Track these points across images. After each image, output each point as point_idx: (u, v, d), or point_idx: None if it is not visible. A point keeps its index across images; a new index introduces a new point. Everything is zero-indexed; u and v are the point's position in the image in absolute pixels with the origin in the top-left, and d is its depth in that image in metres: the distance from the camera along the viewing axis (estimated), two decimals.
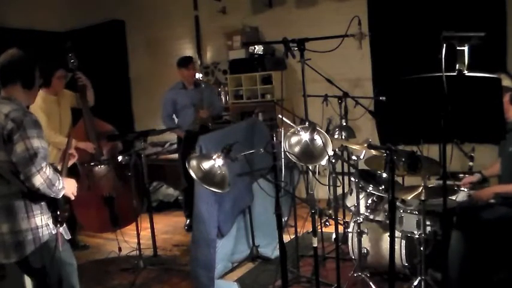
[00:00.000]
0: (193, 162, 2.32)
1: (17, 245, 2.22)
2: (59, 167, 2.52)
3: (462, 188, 3.28)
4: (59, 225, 2.32)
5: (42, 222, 2.26)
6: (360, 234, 3.33)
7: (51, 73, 4.10)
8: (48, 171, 2.17)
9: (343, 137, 3.93)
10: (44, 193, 2.19)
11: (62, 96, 4.33)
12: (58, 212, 2.32)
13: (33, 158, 2.13)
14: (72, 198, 2.40)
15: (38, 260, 2.26)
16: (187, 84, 5.05)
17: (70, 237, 2.47)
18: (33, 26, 6.22)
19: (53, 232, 2.30)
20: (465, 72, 2.10)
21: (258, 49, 5.53)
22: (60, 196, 2.28)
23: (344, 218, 4.21)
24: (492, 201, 2.98)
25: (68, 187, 2.33)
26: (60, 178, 2.25)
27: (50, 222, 2.30)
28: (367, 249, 3.40)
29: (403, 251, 3.24)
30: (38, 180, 2.13)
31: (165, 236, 5.03)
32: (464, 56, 2.08)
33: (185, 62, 4.99)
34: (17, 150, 2.13)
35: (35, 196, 2.21)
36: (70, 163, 2.61)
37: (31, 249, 2.23)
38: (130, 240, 4.29)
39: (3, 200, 2.22)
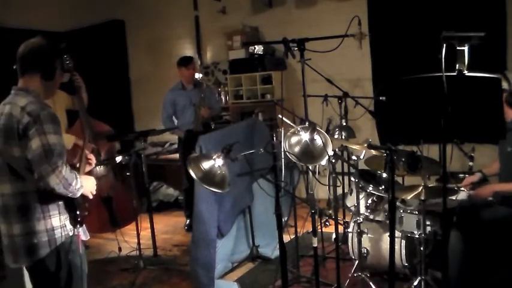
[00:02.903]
0: (193, 162, 2.32)
1: (30, 248, 2.06)
2: (77, 165, 2.36)
3: (463, 189, 3.28)
4: (78, 226, 2.18)
5: (59, 223, 2.11)
6: (360, 234, 3.33)
7: None
8: (64, 171, 1.99)
9: (343, 137, 3.93)
10: (60, 193, 2.02)
11: (57, 97, 4.32)
12: (77, 212, 2.17)
13: (49, 155, 1.96)
14: (91, 197, 2.25)
15: (53, 263, 2.11)
16: (186, 84, 5.06)
17: (89, 237, 2.36)
18: (33, 26, 6.20)
19: (70, 234, 2.15)
20: (465, 72, 2.10)
21: (258, 49, 5.52)
22: (78, 195, 2.13)
23: (344, 218, 4.21)
24: (490, 199, 2.98)
25: (86, 185, 2.19)
26: (77, 177, 2.08)
27: (68, 223, 2.14)
28: (367, 249, 3.40)
29: (403, 251, 3.24)
30: (53, 180, 1.96)
31: (165, 236, 5.03)
32: (464, 56, 2.07)
33: (185, 62, 5.01)
34: (32, 146, 1.97)
35: (52, 195, 2.03)
36: (87, 169, 2.44)
37: (46, 252, 2.08)
38: (130, 240, 4.29)
39: (18, 199, 2.07)
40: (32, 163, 1.98)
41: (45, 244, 2.08)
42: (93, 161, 2.46)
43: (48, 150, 1.97)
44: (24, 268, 2.28)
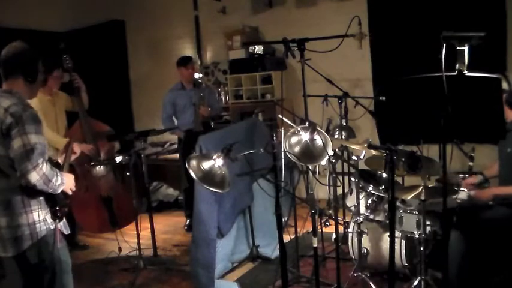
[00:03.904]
0: (193, 162, 2.32)
1: (15, 239, 2.21)
2: (60, 161, 2.49)
3: (463, 189, 3.28)
4: (57, 221, 2.31)
5: (39, 217, 2.25)
6: (360, 234, 3.33)
7: (47, 72, 4.08)
8: (44, 168, 2.14)
9: (343, 137, 3.93)
10: (41, 189, 2.17)
11: (57, 97, 4.34)
12: (57, 207, 2.30)
13: (30, 154, 2.10)
14: (70, 193, 2.37)
15: (35, 255, 2.25)
16: (186, 84, 5.07)
17: (69, 232, 2.45)
18: (33, 26, 6.22)
19: (51, 227, 2.29)
20: (465, 72, 2.10)
21: (258, 49, 5.53)
22: (59, 191, 2.27)
23: (344, 218, 4.21)
24: (491, 203, 2.98)
25: (66, 182, 2.31)
26: (58, 174, 2.23)
27: (48, 217, 2.28)
28: (367, 249, 3.40)
29: (403, 251, 3.24)
30: (34, 177, 2.10)
31: (165, 236, 5.03)
32: (464, 56, 2.07)
33: (184, 62, 5.02)
34: (14, 146, 2.11)
35: (33, 191, 2.19)
36: (72, 158, 2.58)
37: (28, 244, 2.22)
38: (130, 240, 4.29)
39: (2, 195, 2.21)
40: (15, 161, 2.13)
41: (27, 237, 2.23)
42: (78, 152, 2.61)
43: (29, 150, 2.11)
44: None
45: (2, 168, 2.20)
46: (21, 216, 2.21)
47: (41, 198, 2.26)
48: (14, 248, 2.22)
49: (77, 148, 2.61)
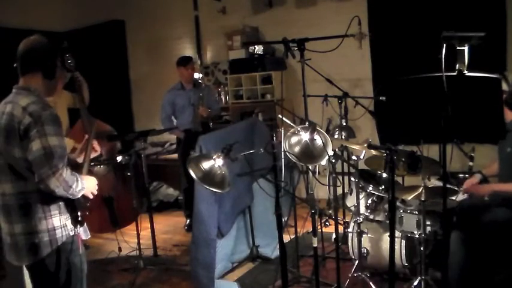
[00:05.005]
0: (193, 162, 2.32)
1: (32, 247, 2.06)
2: (80, 160, 2.37)
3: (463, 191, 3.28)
4: (78, 226, 2.18)
5: (60, 222, 2.10)
6: (360, 234, 3.33)
7: None
8: (64, 173, 1.99)
9: (343, 137, 3.93)
10: (60, 195, 2.03)
11: (59, 97, 4.32)
12: (78, 213, 2.17)
13: (49, 158, 1.94)
14: (91, 197, 2.25)
15: (53, 263, 2.10)
16: (186, 84, 5.07)
17: (89, 236, 2.33)
18: (33, 26, 6.20)
19: (71, 234, 2.15)
20: (465, 72, 2.10)
21: (258, 49, 5.52)
22: (79, 196, 2.13)
23: (344, 218, 4.21)
24: (486, 198, 2.97)
25: (87, 186, 2.17)
26: (79, 178, 2.08)
27: (68, 222, 2.14)
28: (367, 249, 3.40)
29: (403, 251, 3.24)
30: (53, 183, 1.95)
31: (165, 236, 5.03)
32: (464, 56, 2.07)
33: (184, 61, 5.03)
34: (32, 148, 1.95)
35: (53, 195, 2.03)
36: (92, 155, 2.45)
37: (47, 252, 2.07)
38: (130, 240, 4.29)
39: (19, 198, 2.05)
40: (33, 165, 1.97)
41: (46, 244, 2.07)
42: (99, 150, 2.46)
43: (48, 153, 1.95)
44: (24, 267, 2.28)
45: (19, 170, 2.04)
46: (41, 221, 2.05)
47: (61, 202, 2.11)
48: (30, 256, 2.07)
49: (97, 146, 2.45)
